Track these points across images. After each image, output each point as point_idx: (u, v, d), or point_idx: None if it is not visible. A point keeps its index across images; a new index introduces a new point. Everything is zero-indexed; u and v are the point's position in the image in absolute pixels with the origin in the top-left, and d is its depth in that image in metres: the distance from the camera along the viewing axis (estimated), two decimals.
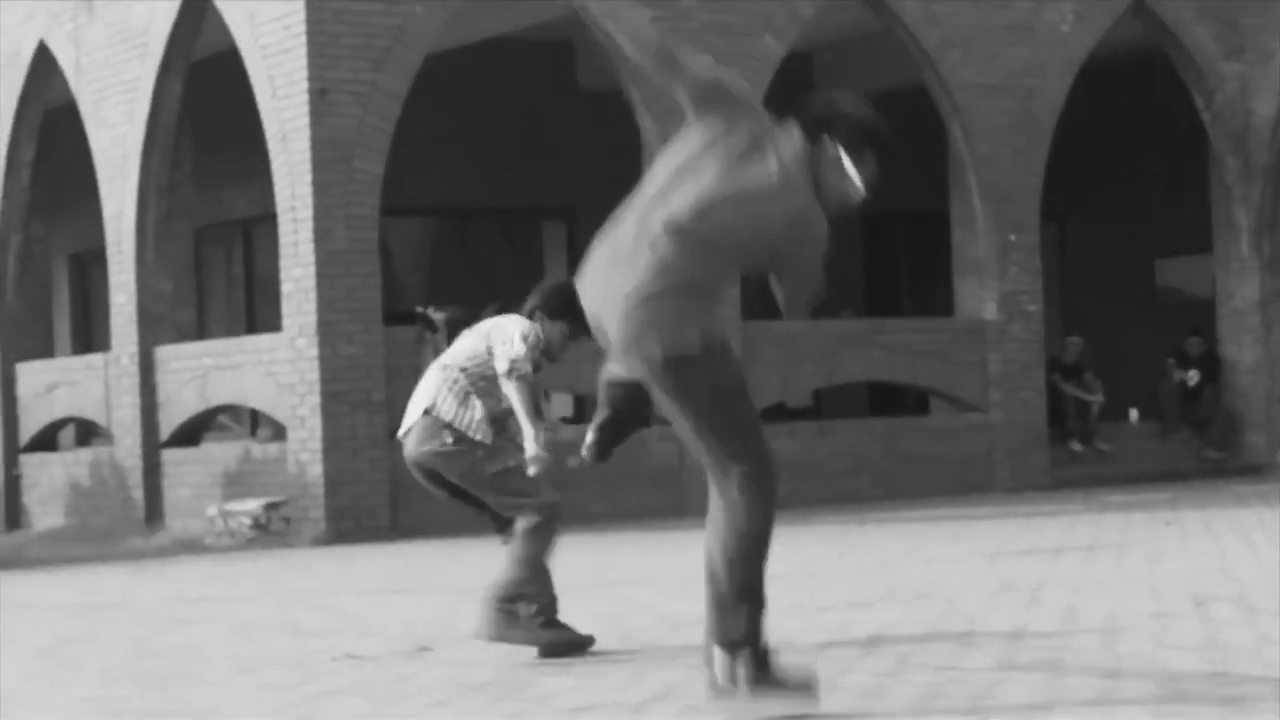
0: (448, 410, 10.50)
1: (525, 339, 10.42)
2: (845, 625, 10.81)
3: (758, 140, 7.51)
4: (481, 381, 10.51)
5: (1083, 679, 8.59)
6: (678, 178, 7.60)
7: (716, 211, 7.35)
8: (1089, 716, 7.58)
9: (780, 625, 8.78)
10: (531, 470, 10.36)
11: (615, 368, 8.01)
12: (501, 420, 10.61)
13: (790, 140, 7.44)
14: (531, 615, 10.14)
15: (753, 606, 7.50)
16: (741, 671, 7.43)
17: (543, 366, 10.77)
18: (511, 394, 10.35)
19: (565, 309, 10.23)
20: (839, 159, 7.38)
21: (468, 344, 10.76)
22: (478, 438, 10.51)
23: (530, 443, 10.34)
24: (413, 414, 10.74)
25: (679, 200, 7.41)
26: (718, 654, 7.44)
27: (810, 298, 7.52)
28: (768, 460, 7.51)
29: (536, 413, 10.58)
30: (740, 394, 7.56)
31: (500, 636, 10.16)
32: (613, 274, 7.46)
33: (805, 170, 7.39)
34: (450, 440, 10.50)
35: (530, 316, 10.63)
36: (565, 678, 9.36)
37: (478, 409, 10.53)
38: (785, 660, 7.62)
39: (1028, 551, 15.07)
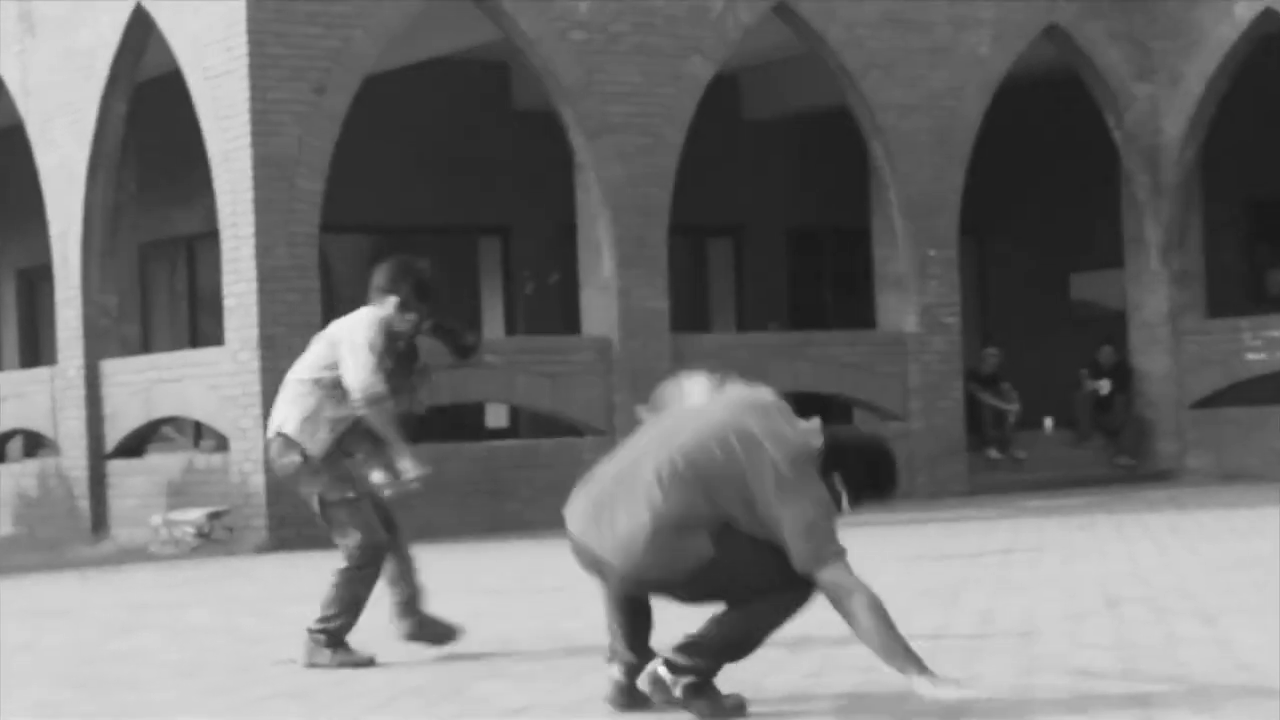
0: (294, 429, 10.35)
1: (371, 347, 10.25)
2: None
3: None
4: (336, 390, 10.31)
5: (999, 679, 8.65)
6: None
7: None
8: (1005, 716, 7.64)
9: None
10: (414, 486, 10.44)
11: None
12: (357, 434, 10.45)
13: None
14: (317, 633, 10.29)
15: (728, 661, 7.73)
16: (679, 688, 7.56)
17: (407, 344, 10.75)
18: (373, 421, 10.28)
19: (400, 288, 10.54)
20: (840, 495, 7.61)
21: (318, 351, 10.62)
22: (320, 458, 10.37)
23: (406, 461, 10.35)
24: (270, 429, 10.68)
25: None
26: (661, 667, 7.56)
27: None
28: (766, 595, 7.64)
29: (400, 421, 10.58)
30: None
31: (310, 662, 10.22)
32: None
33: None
34: (299, 459, 10.38)
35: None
36: (502, 681, 9.42)
37: (324, 428, 10.35)
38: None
39: (946, 556, 15.15)
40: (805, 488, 7.46)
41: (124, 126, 23.13)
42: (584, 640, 10.83)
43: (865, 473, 7.66)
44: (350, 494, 10.30)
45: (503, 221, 29.30)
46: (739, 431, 7.61)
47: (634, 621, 7.93)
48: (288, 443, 10.32)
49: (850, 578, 7.33)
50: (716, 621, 7.70)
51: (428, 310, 10.67)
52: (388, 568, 10.46)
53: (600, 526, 7.69)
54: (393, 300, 10.55)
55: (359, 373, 10.12)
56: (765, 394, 8.00)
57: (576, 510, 7.89)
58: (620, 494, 7.69)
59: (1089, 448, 26.93)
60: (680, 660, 7.60)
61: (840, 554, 7.36)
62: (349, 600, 10.24)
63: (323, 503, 10.37)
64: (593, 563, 7.75)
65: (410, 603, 10.58)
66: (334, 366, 10.34)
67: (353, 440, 10.43)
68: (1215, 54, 25.53)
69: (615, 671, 7.83)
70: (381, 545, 10.33)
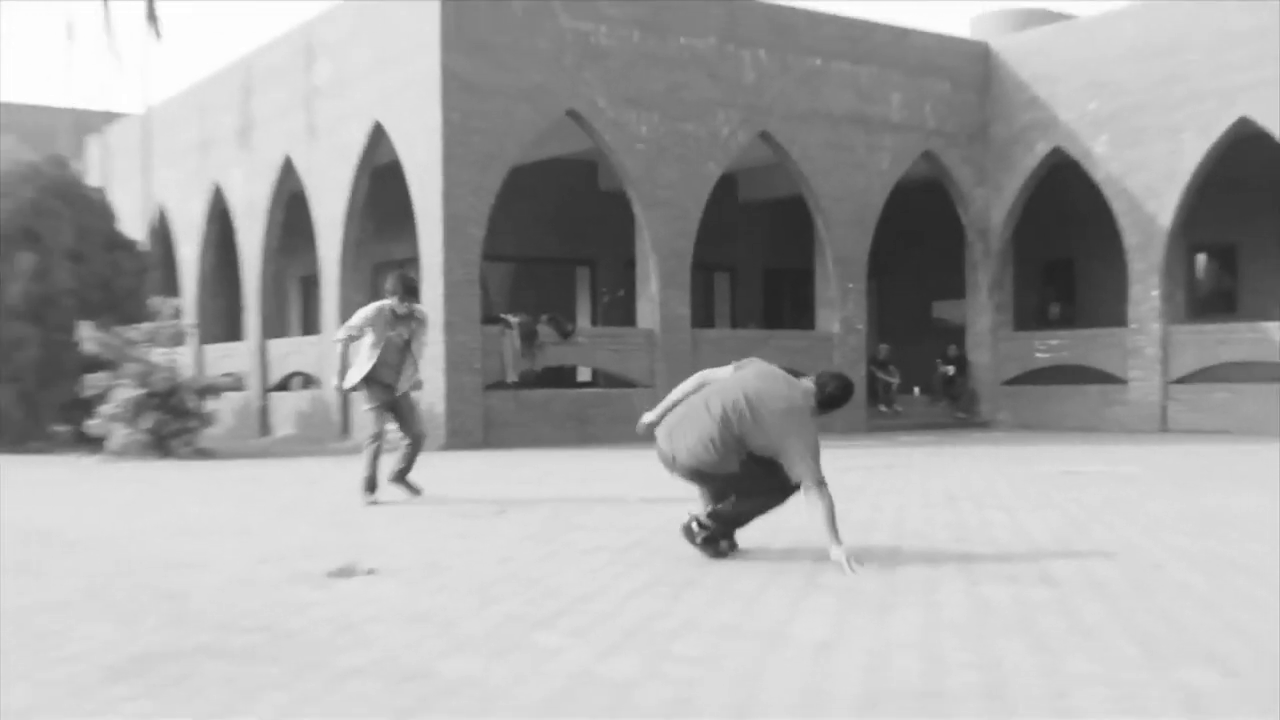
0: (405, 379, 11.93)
1: (358, 319, 11.83)
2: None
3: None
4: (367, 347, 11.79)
5: (881, 541, 8.70)
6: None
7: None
8: (891, 566, 7.70)
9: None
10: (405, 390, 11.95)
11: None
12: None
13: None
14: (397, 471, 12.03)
15: (733, 528, 8.08)
16: (699, 537, 7.97)
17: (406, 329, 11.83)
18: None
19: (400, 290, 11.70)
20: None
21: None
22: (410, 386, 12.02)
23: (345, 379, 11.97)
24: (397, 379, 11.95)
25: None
26: (694, 522, 8.01)
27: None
28: (762, 494, 7.91)
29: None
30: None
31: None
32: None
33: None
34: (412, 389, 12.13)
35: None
36: (581, 531, 9.36)
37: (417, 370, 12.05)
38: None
39: (851, 468, 15.15)
40: (802, 429, 7.65)
41: (365, 193, 23.22)
42: (632, 500, 11.06)
43: (838, 394, 7.91)
44: (371, 404, 11.89)
45: (590, 257, 29.34)
46: (759, 391, 7.77)
47: (703, 490, 8.12)
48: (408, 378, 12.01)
49: (825, 489, 7.56)
50: (731, 505, 7.91)
51: (412, 300, 11.82)
52: (400, 447, 12.06)
53: (675, 441, 7.91)
54: (393, 296, 11.74)
55: (340, 329, 12.16)
56: (774, 368, 8.09)
57: (662, 434, 8.05)
58: (688, 424, 7.88)
59: (940, 407, 26.91)
60: (706, 521, 7.93)
61: (821, 474, 7.59)
62: (411, 460, 12.11)
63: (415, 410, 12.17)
64: (669, 461, 7.97)
65: (403, 471, 12.09)
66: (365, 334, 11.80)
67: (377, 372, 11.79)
68: (1023, 173, 25.53)
69: (687, 517, 8.03)
70: (379, 435, 11.84)
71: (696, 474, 7.94)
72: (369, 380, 11.74)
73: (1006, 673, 4.93)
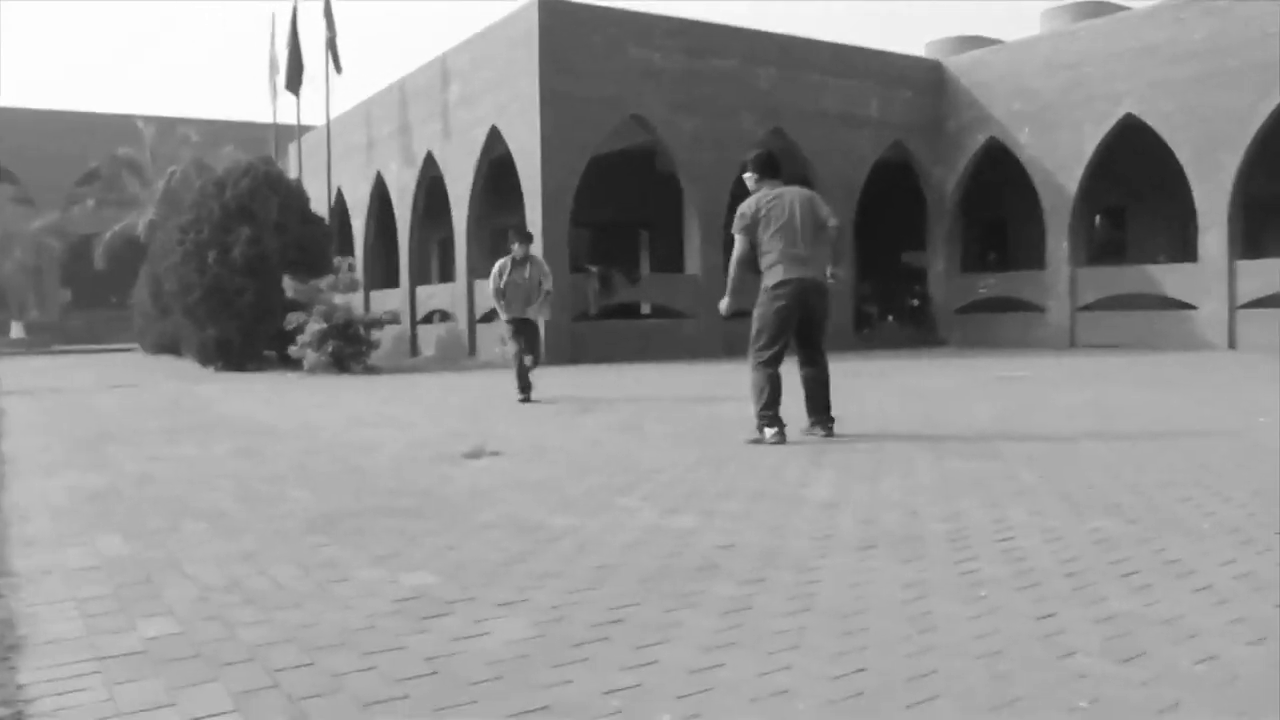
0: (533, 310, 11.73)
1: (494, 271, 11.72)
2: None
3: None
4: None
5: (870, 427, 8.61)
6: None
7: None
8: (878, 445, 7.61)
9: (740, 404, 8.74)
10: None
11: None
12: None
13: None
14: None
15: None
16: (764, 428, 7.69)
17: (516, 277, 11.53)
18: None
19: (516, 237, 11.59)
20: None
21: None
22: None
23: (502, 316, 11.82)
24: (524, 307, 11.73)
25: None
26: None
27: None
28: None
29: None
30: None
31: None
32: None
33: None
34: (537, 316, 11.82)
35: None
36: (645, 431, 9.32)
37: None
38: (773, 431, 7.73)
39: (846, 374, 15.07)
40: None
41: (485, 177, 23.16)
42: (684, 399, 11.01)
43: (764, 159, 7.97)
44: (507, 328, 11.85)
45: (650, 221, 29.17)
46: (815, 199, 7.83)
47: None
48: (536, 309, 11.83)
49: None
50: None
51: (526, 244, 11.54)
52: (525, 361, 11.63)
53: (808, 269, 7.72)
54: (513, 244, 11.60)
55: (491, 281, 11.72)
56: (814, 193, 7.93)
57: (793, 270, 7.65)
58: (809, 253, 7.72)
59: (908, 330, 26.65)
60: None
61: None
62: (518, 372, 11.74)
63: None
64: (805, 289, 7.68)
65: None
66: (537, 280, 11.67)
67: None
68: (968, 155, 25.09)
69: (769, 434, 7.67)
70: (519, 350, 11.63)
71: (824, 293, 7.91)
72: (509, 311, 11.73)
73: (966, 523, 4.87)
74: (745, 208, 7.76)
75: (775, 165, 8.02)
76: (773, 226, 7.71)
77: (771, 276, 7.71)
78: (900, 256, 30.87)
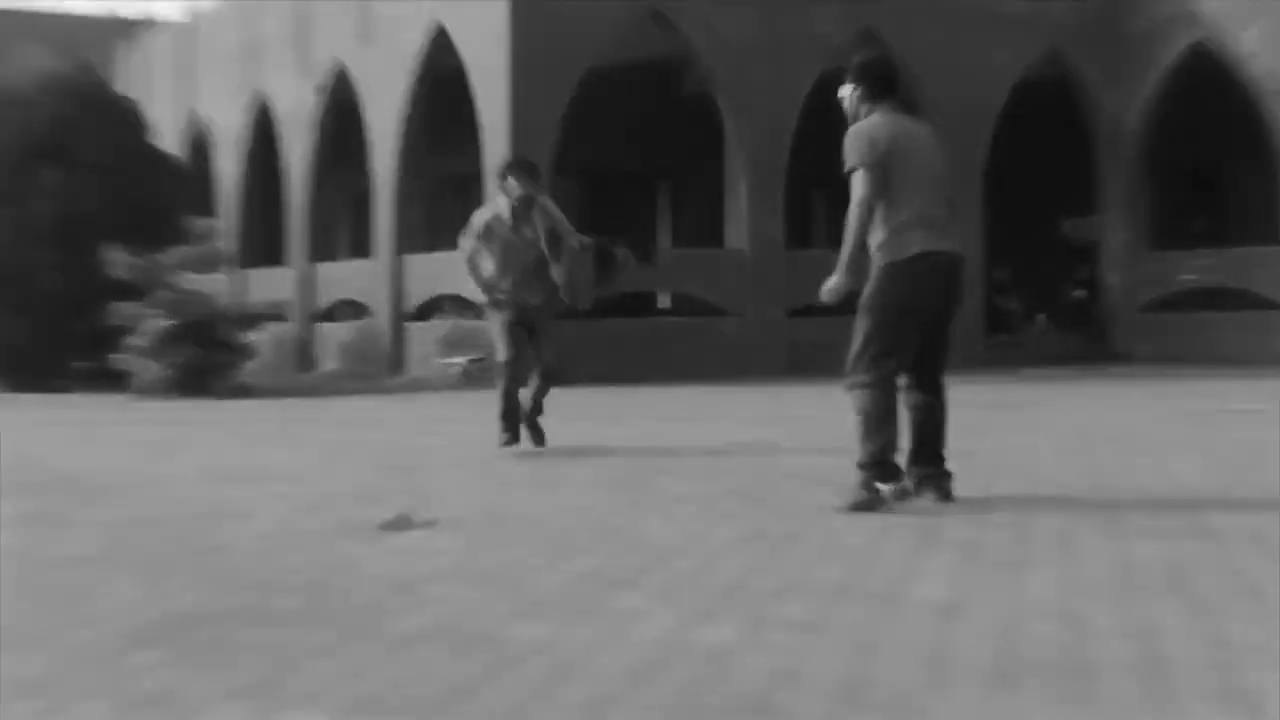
0: None
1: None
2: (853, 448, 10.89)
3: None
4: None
5: (1008, 489, 8.58)
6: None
7: None
8: (1018, 511, 7.58)
9: (810, 449, 8.76)
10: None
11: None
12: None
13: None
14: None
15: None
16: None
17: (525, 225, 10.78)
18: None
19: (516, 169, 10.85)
20: None
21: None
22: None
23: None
24: None
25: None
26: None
27: None
28: None
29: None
30: None
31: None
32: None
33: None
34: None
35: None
36: (670, 476, 9.38)
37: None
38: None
39: (968, 405, 15.04)
40: None
41: (424, 102, 23.29)
42: (722, 442, 10.92)
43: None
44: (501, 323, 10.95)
45: (673, 171, 29.28)
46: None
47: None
48: None
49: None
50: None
51: (533, 186, 10.83)
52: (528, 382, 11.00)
53: (952, 242, 7.92)
54: (507, 184, 10.86)
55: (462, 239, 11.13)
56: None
57: (934, 240, 7.75)
58: (950, 219, 7.98)
59: (1069, 336, 26.68)
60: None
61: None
62: (506, 398, 10.95)
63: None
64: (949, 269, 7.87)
65: (532, 411, 11.09)
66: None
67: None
68: (1160, 71, 25.16)
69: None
70: (515, 361, 10.85)
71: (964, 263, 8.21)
72: (497, 299, 10.79)
73: (1162, 642, 4.79)
74: (875, 132, 7.73)
75: (892, 80, 8.12)
76: (910, 172, 7.70)
77: (900, 246, 7.64)
78: (1057, 225, 30.93)
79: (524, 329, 10.77)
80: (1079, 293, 26.93)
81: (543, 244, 10.68)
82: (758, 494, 8.52)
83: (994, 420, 13.37)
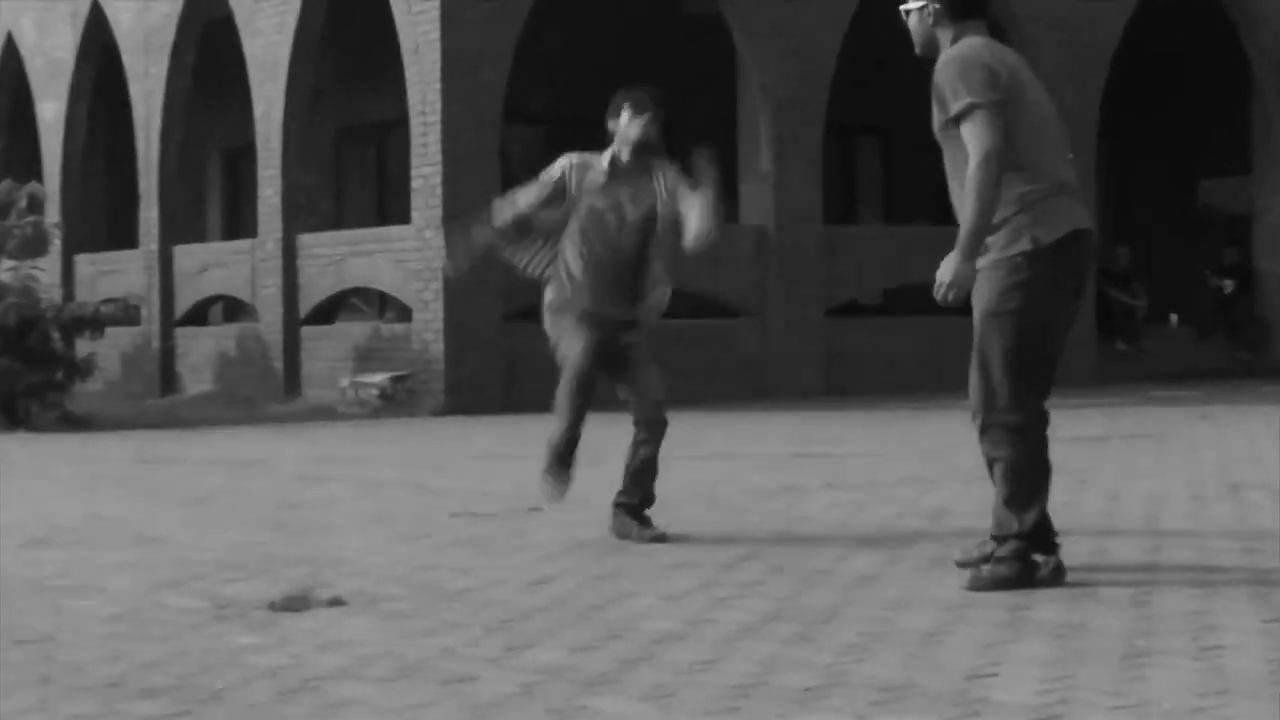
0: None
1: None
2: (913, 500, 10.92)
3: None
4: None
5: (1124, 551, 8.62)
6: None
7: None
8: (1133, 587, 7.61)
9: (855, 501, 8.78)
10: None
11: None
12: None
13: None
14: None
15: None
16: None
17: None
18: None
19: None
20: None
21: None
22: None
23: None
24: None
25: None
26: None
27: None
28: None
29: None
30: None
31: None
32: None
33: None
34: None
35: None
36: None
37: None
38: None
39: (1076, 439, 15.06)
40: None
41: (324, 19, 23.23)
42: (736, 490, 10.89)
43: None
44: (577, 343, 9.43)
45: (669, 116, 29.20)
46: None
47: None
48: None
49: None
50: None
51: (652, 129, 9.77)
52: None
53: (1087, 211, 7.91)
54: (629, 122, 9.83)
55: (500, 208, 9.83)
56: None
57: (1079, 213, 7.75)
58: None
59: (1211, 343, 26.67)
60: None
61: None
62: (564, 425, 9.61)
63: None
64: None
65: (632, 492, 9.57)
66: None
67: None
68: None
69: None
70: (586, 389, 9.43)
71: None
72: (564, 307, 9.50)
73: None
74: (992, 58, 7.69)
75: None
76: (1034, 119, 7.73)
77: (1046, 224, 7.55)
78: (1195, 190, 30.93)
79: (604, 346, 9.42)
80: (1225, 283, 26.87)
81: (656, 224, 9.55)
82: (782, 557, 8.56)
83: (1107, 459, 13.39)
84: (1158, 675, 5.89)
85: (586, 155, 9.65)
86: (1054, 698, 5.59)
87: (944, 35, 7.76)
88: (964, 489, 8.04)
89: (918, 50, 7.95)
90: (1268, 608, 7.09)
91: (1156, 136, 30.51)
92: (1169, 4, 26.18)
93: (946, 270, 7.55)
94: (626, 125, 9.51)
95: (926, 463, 13.67)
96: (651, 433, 9.41)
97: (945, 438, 15.20)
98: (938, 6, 7.74)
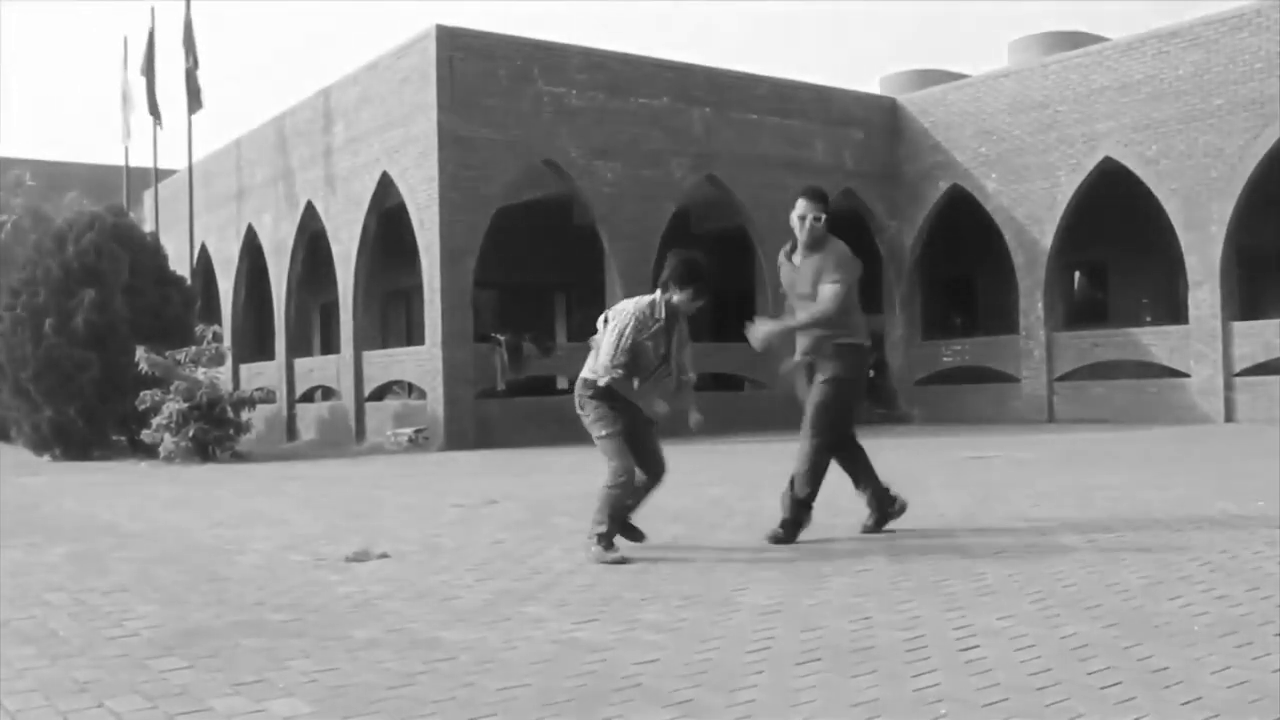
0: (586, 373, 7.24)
1: (618, 345, 7.03)
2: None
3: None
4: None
5: (817, 518, 8.63)
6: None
7: None
8: (824, 541, 7.60)
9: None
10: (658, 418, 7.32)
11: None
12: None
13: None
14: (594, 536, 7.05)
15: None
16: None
17: (673, 327, 7.27)
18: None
19: (691, 278, 7.16)
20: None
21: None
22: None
23: (658, 406, 7.27)
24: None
25: None
26: None
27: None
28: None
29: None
30: None
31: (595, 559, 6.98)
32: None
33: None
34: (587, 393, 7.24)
35: (663, 287, 7.15)
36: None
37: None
38: None
39: (781, 459, 15.05)
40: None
41: (375, 232, 23.17)
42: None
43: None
44: (605, 431, 7.05)
45: (566, 283, 29.27)
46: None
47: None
48: (584, 383, 7.17)
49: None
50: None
51: (693, 293, 7.25)
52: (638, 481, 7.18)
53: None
54: (668, 290, 7.23)
55: (602, 358, 7.10)
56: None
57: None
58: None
59: (864, 405, 26.83)
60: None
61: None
62: (608, 508, 7.02)
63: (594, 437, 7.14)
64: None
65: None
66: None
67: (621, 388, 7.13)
68: (928, 206, 25.64)
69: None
70: (627, 470, 7.01)
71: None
72: (608, 396, 7.16)
73: (923, 630, 4.90)
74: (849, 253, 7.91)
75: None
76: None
77: (862, 334, 7.98)
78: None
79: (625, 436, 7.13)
80: (872, 372, 27.17)
81: (670, 362, 7.33)
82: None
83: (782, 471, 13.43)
84: (832, 585, 5.89)
85: (649, 302, 7.26)
86: (777, 601, 5.58)
87: (819, 233, 8.20)
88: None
89: (805, 239, 8.16)
90: (892, 549, 7.12)
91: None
92: (839, 215, 26.53)
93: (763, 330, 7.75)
94: (685, 298, 7.19)
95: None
96: (658, 479, 7.35)
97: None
98: (816, 211, 8.23)
